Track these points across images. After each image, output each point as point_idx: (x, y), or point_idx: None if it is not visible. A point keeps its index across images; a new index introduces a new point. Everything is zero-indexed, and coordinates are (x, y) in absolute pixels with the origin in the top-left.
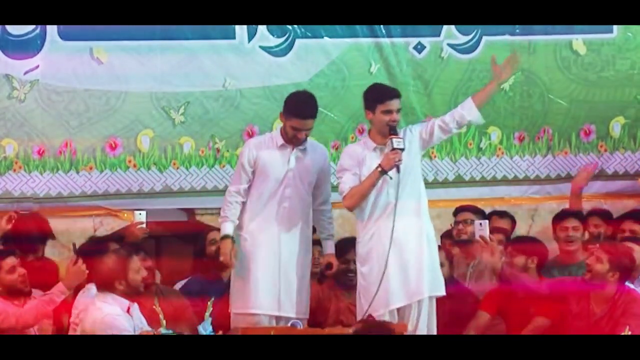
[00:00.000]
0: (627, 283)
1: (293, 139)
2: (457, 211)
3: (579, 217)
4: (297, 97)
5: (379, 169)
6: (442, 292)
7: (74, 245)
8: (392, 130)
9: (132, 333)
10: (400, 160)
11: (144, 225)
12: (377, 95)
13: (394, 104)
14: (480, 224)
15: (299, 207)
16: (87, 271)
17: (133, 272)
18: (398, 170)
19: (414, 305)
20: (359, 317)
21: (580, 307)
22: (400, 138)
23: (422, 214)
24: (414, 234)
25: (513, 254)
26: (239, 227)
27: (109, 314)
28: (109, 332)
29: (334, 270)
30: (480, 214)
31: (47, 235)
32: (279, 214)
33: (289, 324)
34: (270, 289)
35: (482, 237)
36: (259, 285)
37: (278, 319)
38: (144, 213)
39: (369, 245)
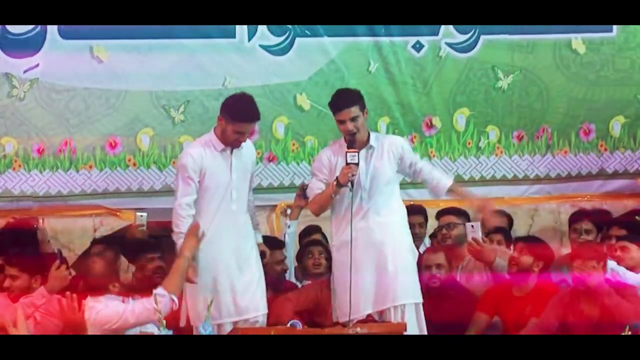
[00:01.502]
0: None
1: (234, 143)
2: (439, 215)
3: (593, 219)
4: (239, 101)
5: (335, 182)
6: (418, 299)
7: (60, 251)
8: (349, 144)
9: (127, 311)
10: (354, 175)
11: (145, 228)
12: (331, 105)
13: (345, 114)
14: (472, 226)
15: (244, 207)
16: (70, 276)
17: (123, 272)
18: (352, 185)
19: (392, 310)
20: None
21: (574, 314)
22: (354, 152)
23: (398, 221)
24: (386, 241)
25: (523, 251)
26: None
27: (102, 309)
28: (107, 323)
29: (267, 259)
30: (463, 215)
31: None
32: (231, 219)
33: (288, 324)
34: (230, 296)
35: (474, 239)
36: (219, 295)
37: (237, 323)
38: (145, 215)
39: (340, 250)
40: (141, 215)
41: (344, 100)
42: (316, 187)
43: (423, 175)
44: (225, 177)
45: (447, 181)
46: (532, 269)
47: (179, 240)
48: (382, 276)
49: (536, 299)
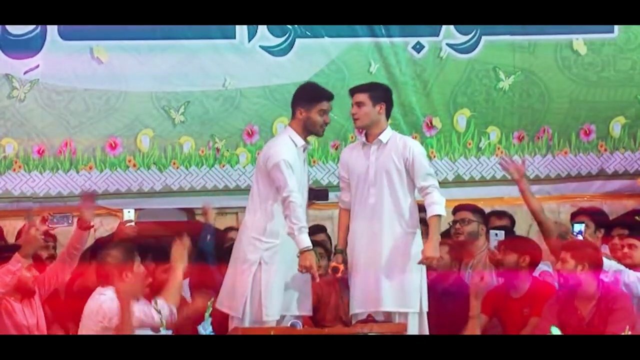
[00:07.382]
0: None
1: (322, 125)
2: (456, 210)
3: (591, 218)
4: (309, 86)
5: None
6: (413, 308)
7: (29, 213)
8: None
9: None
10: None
11: (133, 224)
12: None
13: (354, 98)
14: (496, 234)
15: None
16: (42, 237)
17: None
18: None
19: (394, 316)
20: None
21: (568, 313)
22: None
23: (403, 223)
24: (385, 241)
25: (506, 251)
26: (270, 235)
27: (105, 301)
28: (102, 317)
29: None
30: (479, 213)
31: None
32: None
33: (288, 324)
34: (300, 292)
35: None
36: (290, 291)
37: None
38: (132, 211)
39: (349, 244)
40: (128, 211)
41: (358, 87)
42: (343, 191)
43: (423, 193)
44: (301, 176)
45: (432, 212)
46: (520, 266)
47: (300, 235)
48: (373, 278)
49: (532, 299)
